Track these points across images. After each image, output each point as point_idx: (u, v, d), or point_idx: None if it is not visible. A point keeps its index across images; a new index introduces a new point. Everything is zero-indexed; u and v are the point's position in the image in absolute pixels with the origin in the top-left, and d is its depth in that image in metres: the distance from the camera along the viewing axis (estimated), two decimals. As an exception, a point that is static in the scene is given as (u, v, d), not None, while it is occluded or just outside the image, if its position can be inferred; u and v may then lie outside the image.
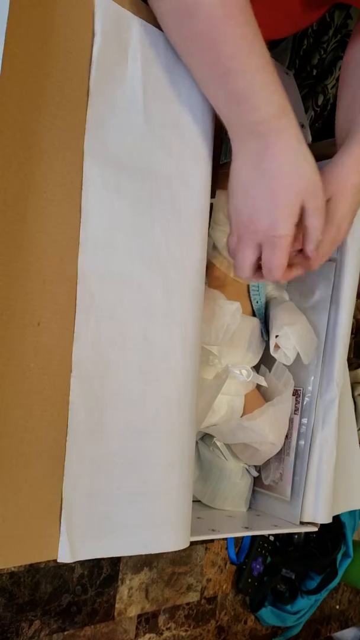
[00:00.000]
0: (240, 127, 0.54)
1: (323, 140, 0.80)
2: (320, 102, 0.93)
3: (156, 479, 0.54)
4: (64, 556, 0.49)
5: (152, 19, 0.55)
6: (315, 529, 0.75)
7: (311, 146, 0.80)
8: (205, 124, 0.60)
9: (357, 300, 1.08)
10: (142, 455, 0.53)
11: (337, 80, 0.95)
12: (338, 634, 1.08)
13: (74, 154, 0.50)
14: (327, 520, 0.74)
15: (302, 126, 0.83)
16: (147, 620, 0.77)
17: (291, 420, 0.77)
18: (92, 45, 0.51)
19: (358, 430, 1.01)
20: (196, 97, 0.59)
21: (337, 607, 1.08)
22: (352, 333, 1.06)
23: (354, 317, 1.07)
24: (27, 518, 0.47)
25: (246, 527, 0.70)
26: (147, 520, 0.53)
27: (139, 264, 0.54)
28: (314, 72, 0.96)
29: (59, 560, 0.49)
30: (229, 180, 0.56)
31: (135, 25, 0.54)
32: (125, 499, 0.52)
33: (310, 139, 0.86)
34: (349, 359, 1.05)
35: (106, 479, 0.52)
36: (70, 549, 0.49)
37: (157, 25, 0.56)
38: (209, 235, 0.72)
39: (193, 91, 0.58)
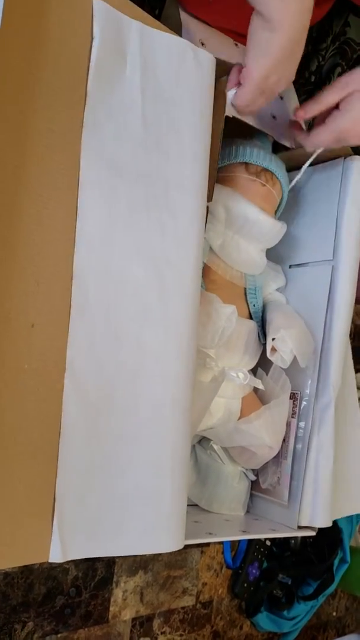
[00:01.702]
0: None
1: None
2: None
3: (150, 481, 0.54)
4: (56, 556, 0.49)
5: (150, 23, 0.56)
6: (313, 533, 0.74)
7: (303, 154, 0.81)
8: (203, 128, 0.60)
9: (356, 306, 1.09)
10: (136, 457, 0.53)
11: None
12: (337, 640, 1.08)
13: (70, 157, 0.51)
14: (326, 524, 0.74)
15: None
16: (142, 624, 0.77)
17: (289, 424, 0.77)
18: (90, 49, 0.52)
19: None
20: (195, 101, 0.59)
21: (334, 614, 1.07)
22: (351, 338, 1.07)
23: (353, 322, 1.07)
24: (20, 518, 0.47)
25: (244, 531, 0.70)
26: (140, 521, 0.53)
27: (135, 266, 0.54)
28: (312, 78, 0.97)
29: (50, 560, 0.48)
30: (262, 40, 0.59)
31: (134, 30, 0.55)
32: (117, 501, 0.52)
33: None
34: (347, 364, 1.05)
35: (99, 481, 0.52)
36: (62, 549, 0.49)
37: (156, 29, 0.56)
38: (205, 237, 0.72)
39: (192, 95, 0.59)
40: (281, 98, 0.83)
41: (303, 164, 0.83)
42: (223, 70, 0.65)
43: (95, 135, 0.52)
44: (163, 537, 0.55)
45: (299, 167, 0.84)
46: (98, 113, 0.53)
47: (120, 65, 0.55)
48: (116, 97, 0.54)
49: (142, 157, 0.56)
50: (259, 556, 0.89)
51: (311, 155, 0.77)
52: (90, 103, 0.52)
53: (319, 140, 0.71)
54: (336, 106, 0.69)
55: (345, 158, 0.79)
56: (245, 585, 0.87)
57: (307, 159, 0.79)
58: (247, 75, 0.61)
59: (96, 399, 0.52)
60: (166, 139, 0.57)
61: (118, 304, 0.53)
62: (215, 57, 0.61)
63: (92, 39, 0.52)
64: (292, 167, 0.83)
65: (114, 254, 0.53)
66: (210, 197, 0.64)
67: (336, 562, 0.95)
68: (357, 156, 0.78)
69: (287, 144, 0.81)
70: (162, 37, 0.57)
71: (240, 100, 0.64)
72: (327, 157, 0.81)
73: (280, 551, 0.92)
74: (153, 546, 0.55)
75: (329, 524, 0.74)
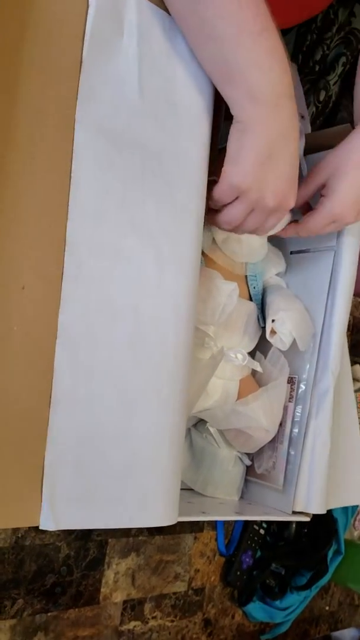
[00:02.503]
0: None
1: (325, 129, 0.80)
2: (322, 98, 0.93)
3: (145, 453, 0.53)
4: (46, 523, 0.48)
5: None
6: (308, 519, 0.74)
7: (311, 136, 0.81)
8: (202, 104, 0.60)
9: (355, 299, 1.08)
10: (131, 428, 0.53)
11: (339, 76, 0.95)
12: (337, 633, 1.07)
13: (65, 123, 0.51)
14: (321, 510, 0.73)
15: (301, 117, 0.84)
16: (133, 607, 0.76)
17: (286, 408, 0.76)
18: (85, 17, 0.52)
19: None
20: (194, 76, 0.59)
21: (327, 608, 1.06)
22: (349, 331, 1.06)
23: (351, 314, 1.07)
24: (8, 482, 0.46)
25: (237, 512, 0.69)
26: (134, 494, 0.53)
27: (130, 237, 0.54)
28: (317, 67, 0.97)
29: (41, 527, 0.48)
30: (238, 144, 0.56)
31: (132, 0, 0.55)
32: (112, 470, 0.52)
33: (309, 129, 0.86)
34: (345, 355, 1.04)
35: (93, 450, 0.51)
36: (53, 517, 0.48)
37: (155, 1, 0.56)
38: (209, 229, 0.72)
39: (191, 70, 0.58)
40: (302, 117, 0.83)
41: (308, 151, 0.83)
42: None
43: (91, 103, 0.52)
44: (158, 511, 0.54)
45: (305, 154, 0.84)
46: (93, 80, 0.52)
47: (117, 33, 0.54)
48: (112, 65, 0.54)
49: (139, 127, 0.56)
50: (253, 545, 0.88)
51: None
52: (85, 70, 0.52)
53: (314, 228, 0.68)
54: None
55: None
56: (238, 573, 0.86)
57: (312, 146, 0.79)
58: (222, 177, 0.58)
59: (89, 366, 0.51)
60: (163, 111, 0.57)
61: (112, 273, 0.53)
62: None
63: (87, 6, 0.52)
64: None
65: (108, 223, 0.53)
66: (212, 173, 0.64)
67: (330, 553, 0.94)
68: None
69: None
70: (157, 12, 0.56)
71: (214, 197, 0.60)
72: (329, 145, 0.81)
73: (274, 540, 0.91)
74: (147, 519, 0.54)
75: (323, 511, 0.73)
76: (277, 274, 0.82)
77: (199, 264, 0.59)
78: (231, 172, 0.57)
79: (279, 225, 0.66)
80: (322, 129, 0.97)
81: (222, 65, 0.54)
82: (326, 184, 0.66)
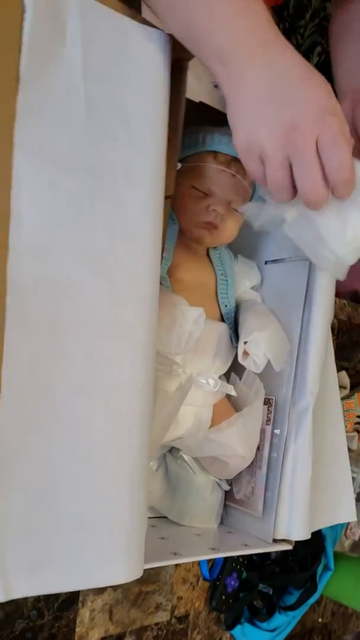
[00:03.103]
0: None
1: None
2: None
3: (102, 508, 0.49)
4: (-4, 595, 0.44)
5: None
6: (290, 547, 0.70)
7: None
8: (156, 113, 0.54)
9: (339, 301, 1.04)
10: (88, 481, 0.48)
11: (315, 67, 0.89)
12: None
13: (2, 148, 0.45)
14: (304, 537, 0.70)
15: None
16: (111, 644, 0.73)
17: (263, 432, 0.72)
18: (21, 23, 0.46)
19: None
20: (145, 84, 0.54)
21: (320, 620, 1.04)
22: (333, 334, 1.02)
23: (336, 317, 1.03)
24: None
25: (213, 549, 0.65)
26: (93, 551, 0.49)
27: (81, 271, 0.49)
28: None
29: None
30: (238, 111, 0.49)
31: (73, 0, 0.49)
32: (67, 528, 0.48)
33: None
34: (330, 362, 1.00)
35: (45, 508, 0.47)
36: (3, 587, 0.44)
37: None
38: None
39: (141, 77, 0.53)
40: None
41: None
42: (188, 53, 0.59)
43: (32, 123, 0.47)
44: (119, 568, 0.50)
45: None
46: (34, 98, 0.47)
47: (59, 40, 0.49)
48: (55, 78, 0.48)
49: (87, 147, 0.50)
50: (238, 566, 0.85)
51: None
52: (24, 86, 0.46)
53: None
54: None
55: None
56: (223, 597, 0.83)
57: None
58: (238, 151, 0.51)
59: (39, 419, 0.47)
60: (113, 126, 0.52)
61: (62, 312, 0.48)
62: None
63: (23, 10, 0.46)
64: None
65: (56, 256, 0.48)
66: (170, 190, 0.59)
67: (319, 569, 0.91)
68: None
69: None
70: (104, 11, 0.51)
71: (255, 177, 0.51)
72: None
73: (260, 560, 0.88)
74: (108, 578, 0.50)
75: (307, 537, 0.70)
76: (253, 287, 0.77)
77: (157, 291, 0.54)
78: (235, 139, 0.50)
79: None
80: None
81: (188, 29, 0.50)
82: None
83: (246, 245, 0.79)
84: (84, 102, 0.50)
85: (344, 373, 0.98)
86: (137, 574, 0.51)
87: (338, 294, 1.13)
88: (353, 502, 0.83)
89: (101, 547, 0.49)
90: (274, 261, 0.78)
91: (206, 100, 0.71)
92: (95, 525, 0.49)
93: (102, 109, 0.51)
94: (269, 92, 0.47)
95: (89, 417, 0.49)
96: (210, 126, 0.71)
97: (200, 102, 0.71)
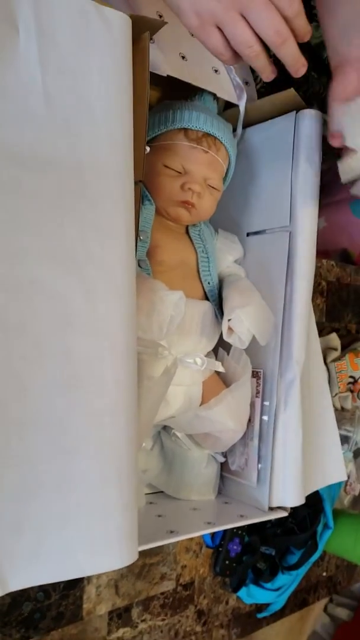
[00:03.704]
0: None
1: (269, 96, 0.73)
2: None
3: (91, 499, 0.50)
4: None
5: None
6: (286, 513, 0.72)
7: (262, 101, 0.74)
8: (120, 99, 0.53)
9: (326, 263, 1.03)
10: (73, 476, 0.50)
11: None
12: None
13: None
14: (299, 502, 0.71)
15: (246, 83, 0.77)
16: (120, 616, 0.76)
17: (253, 404, 0.73)
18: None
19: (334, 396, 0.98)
20: (107, 69, 0.52)
21: (324, 574, 1.07)
22: (322, 297, 1.02)
23: (324, 279, 1.02)
24: None
25: (209, 523, 0.67)
26: (85, 543, 0.50)
27: (52, 269, 0.49)
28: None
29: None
30: None
31: None
32: (57, 523, 0.49)
33: (255, 97, 0.79)
34: (320, 324, 1.01)
35: (34, 506, 0.48)
36: (1, 583, 0.46)
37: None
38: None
39: (103, 63, 0.51)
40: (246, 83, 0.76)
41: (256, 120, 0.76)
42: (146, 26, 0.58)
43: None
44: (113, 554, 0.52)
45: (252, 124, 0.78)
46: None
47: (11, 34, 0.47)
48: (10, 74, 0.47)
49: (49, 143, 0.49)
50: (239, 531, 0.87)
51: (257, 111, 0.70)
52: None
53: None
54: None
55: (297, 112, 0.72)
56: (227, 562, 0.86)
57: (258, 116, 0.72)
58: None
59: (20, 419, 0.47)
60: (76, 119, 0.50)
61: (36, 313, 0.48)
62: (133, 14, 0.54)
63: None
64: (244, 125, 0.77)
65: (25, 257, 0.48)
66: (140, 175, 0.58)
67: (320, 528, 0.93)
68: (310, 109, 0.71)
69: (231, 99, 0.74)
70: None
71: (211, 48, 0.53)
72: (278, 112, 0.74)
73: (261, 524, 0.90)
74: (103, 564, 0.52)
75: (302, 502, 0.72)
76: (235, 261, 0.77)
77: (134, 284, 0.54)
78: (182, 18, 0.51)
79: None
80: (278, 81, 0.89)
81: None
82: None
83: (227, 218, 0.79)
84: (42, 96, 0.49)
85: (334, 335, 0.98)
86: (130, 560, 0.52)
87: (327, 255, 1.12)
88: (342, 462, 0.84)
89: (92, 537, 0.50)
90: (256, 233, 0.78)
91: (174, 73, 0.69)
92: (85, 517, 0.50)
93: (62, 101, 0.50)
94: None
95: (69, 414, 0.50)
96: (181, 101, 0.69)
97: (169, 76, 0.70)
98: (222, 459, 0.77)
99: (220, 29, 0.52)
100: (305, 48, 0.90)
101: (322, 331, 0.99)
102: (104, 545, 0.51)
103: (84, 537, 0.50)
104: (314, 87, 0.90)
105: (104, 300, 0.52)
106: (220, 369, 0.72)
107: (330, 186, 0.80)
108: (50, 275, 0.49)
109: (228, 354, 0.74)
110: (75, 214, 0.51)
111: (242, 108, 0.74)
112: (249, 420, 0.73)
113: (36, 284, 0.48)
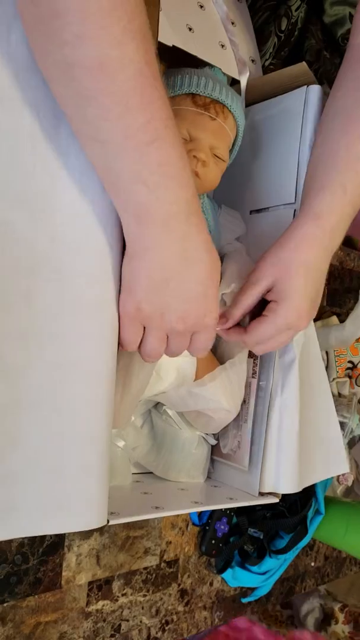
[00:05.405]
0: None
1: (277, 71, 0.71)
2: (284, 26, 0.81)
3: (46, 458, 0.49)
4: None
5: None
6: (276, 499, 0.70)
7: (272, 75, 0.72)
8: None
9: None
10: (30, 431, 0.48)
11: (302, 0, 0.83)
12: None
13: None
14: (293, 490, 0.69)
15: (252, 61, 0.75)
16: (100, 587, 0.75)
17: (248, 385, 0.72)
18: None
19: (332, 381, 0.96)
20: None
21: (313, 564, 1.06)
22: (326, 280, 0.99)
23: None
24: None
25: (196, 502, 0.66)
26: (36, 501, 0.48)
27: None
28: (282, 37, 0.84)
29: None
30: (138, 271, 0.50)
31: None
32: (29, 475, 0.48)
33: (260, 73, 0.77)
34: (321, 307, 0.98)
35: (11, 460, 0.47)
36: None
37: None
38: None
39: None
40: (232, 24, 0.73)
41: (266, 95, 0.74)
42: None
43: None
44: (82, 515, 0.51)
45: (261, 100, 0.76)
46: None
47: None
48: None
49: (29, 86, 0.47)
50: (228, 511, 0.86)
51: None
52: None
53: (264, 336, 0.61)
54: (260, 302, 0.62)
55: (308, 86, 0.69)
56: (213, 542, 0.85)
57: (266, 92, 0.70)
58: (119, 308, 0.52)
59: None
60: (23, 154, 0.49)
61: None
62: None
63: None
64: (251, 102, 0.75)
65: None
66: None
67: (310, 513, 0.92)
68: (317, 86, 0.69)
69: (235, 76, 0.72)
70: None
71: (122, 337, 0.53)
72: (288, 87, 0.72)
73: (251, 506, 0.89)
74: (70, 524, 0.51)
75: (296, 490, 0.70)
76: (237, 238, 0.75)
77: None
78: (125, 300, 0.51)
79: None
80: (289, 59, 0.87)
81: (107, 173, 0.46)
82: (273, 288, 0.60)
83: (230, 195, 0.77)
84: None
85: (334, 317, 0.96)
86: (99, 523, 0.51)
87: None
88: (344, 453, 0.82)
89: (63, 494, 0.49)
90: (258, 211, 0.76)
91: (180, 44, 0.68)
92: (58, 472, 0.49)
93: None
94: (167, 272, 0.49)
95: (34, 364, 0.49)
96: (191, 67, 0.67)
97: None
98: (214, 442, 0.76)
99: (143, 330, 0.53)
100: (319, 27, 0.88)
101: (323, 314, 0.97)
102: (74, 503, 0.50)
103: (34, 497, 0.49)
104: (325, 66, 0.87)
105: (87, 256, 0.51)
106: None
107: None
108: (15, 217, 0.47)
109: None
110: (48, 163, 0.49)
111: (243, 84, 0.72)
112: (244, 401, 0.72)
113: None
